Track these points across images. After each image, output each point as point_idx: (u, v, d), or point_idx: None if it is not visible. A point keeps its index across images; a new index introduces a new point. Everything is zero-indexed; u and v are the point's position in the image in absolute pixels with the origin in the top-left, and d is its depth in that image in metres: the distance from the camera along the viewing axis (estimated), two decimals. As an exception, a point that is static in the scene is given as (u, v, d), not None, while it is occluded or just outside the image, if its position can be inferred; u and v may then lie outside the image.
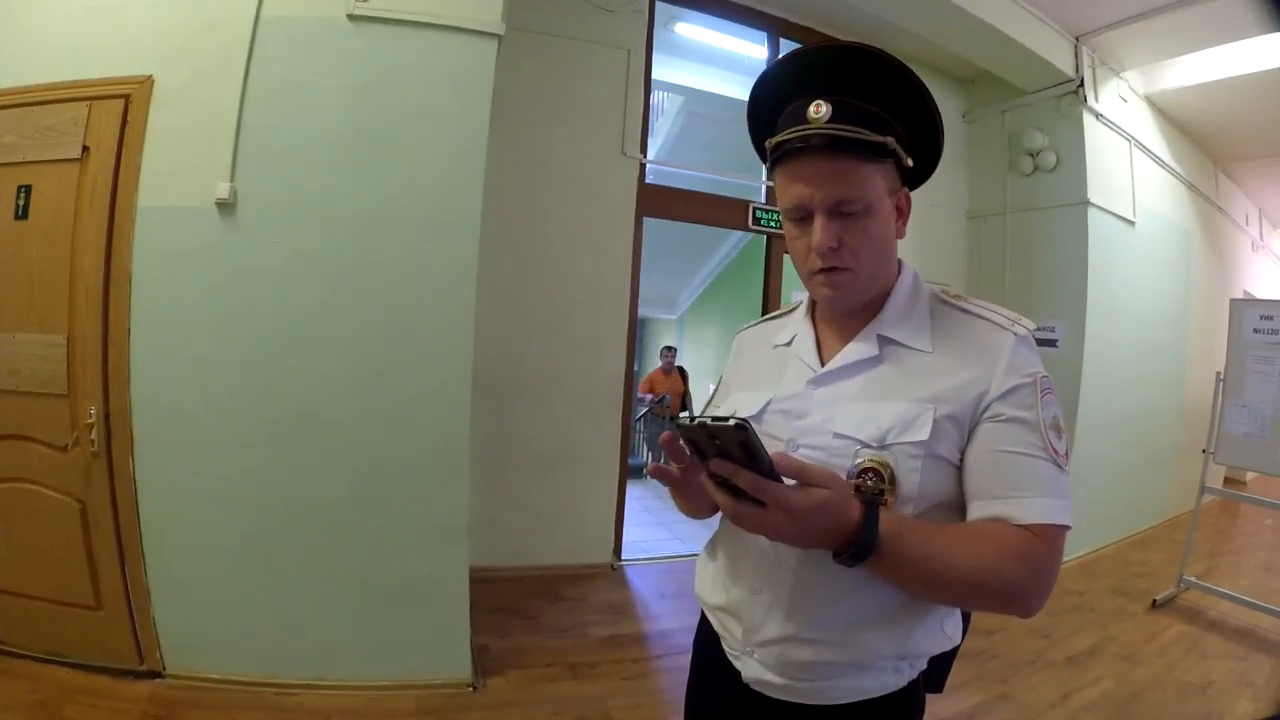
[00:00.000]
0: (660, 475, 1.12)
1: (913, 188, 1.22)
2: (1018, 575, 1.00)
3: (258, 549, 3.02)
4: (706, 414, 0.97)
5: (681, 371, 9.53)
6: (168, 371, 2.92)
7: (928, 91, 1.12)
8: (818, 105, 1.08)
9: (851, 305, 1.20)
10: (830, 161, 1.08)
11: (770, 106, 1.19)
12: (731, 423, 0.86)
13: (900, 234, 1.19)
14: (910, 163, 1.15)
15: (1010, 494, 1.04)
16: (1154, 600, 4.84)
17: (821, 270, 1.14)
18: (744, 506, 0.95)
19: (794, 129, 1.10)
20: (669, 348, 9.47)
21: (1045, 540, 1.02)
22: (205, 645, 3.04)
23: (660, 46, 5.49)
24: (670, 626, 4.00)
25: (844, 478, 1.05)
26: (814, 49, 1.16)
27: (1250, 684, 3.73)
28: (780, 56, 1.18)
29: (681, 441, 1.03)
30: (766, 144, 1.18)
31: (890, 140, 1.09)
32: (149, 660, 3.01)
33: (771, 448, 0.95)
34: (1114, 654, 4.06)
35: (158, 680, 3.01)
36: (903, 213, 1.18)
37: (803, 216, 1.13)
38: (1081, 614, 4.64)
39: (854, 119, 1.07)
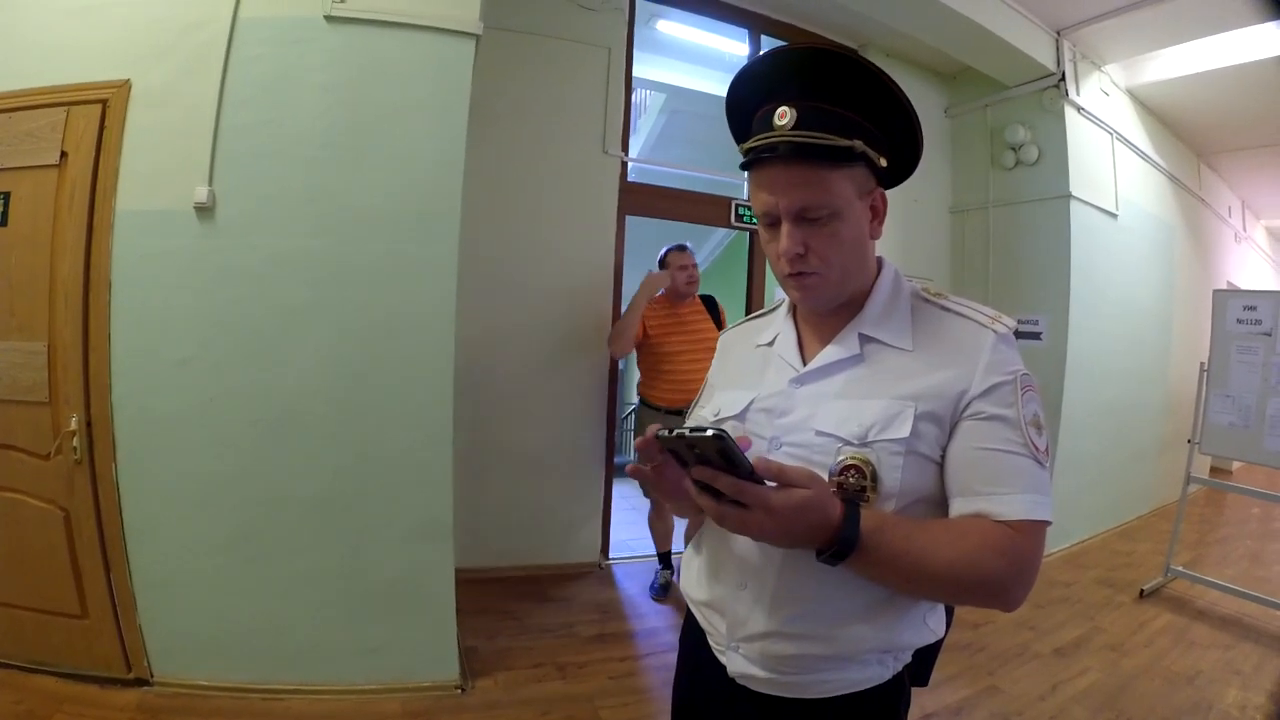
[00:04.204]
0: (638, 475, 1.14)
1: (894, 185, 1.23)
2: (998, 570, 1.01)
3: (242, 553, 3.01)
4: (685, 425, 0.99)
5: (709, 303, 4.74)
6: (148, 376, 2.91)
7: (900, 90, 1.12)
8: (782, 112, 1.09)
9: (824, 307, 1.22)
10: (795, 169, 1.09)
11: (744, 110, 1.20)
12: (709, 433, 0.89)
13: (876, 234, 1.20)
14: (884, 163, 1.15)
15: (991, 490, 1.05)
16: (1141, 590, 4.87)
17: (791, 275, 1.16)
18: (726, 508, 0.97)
19: (760, 136, 1.12)
20: (676, 248, 4.58)
21: (1026, 535, 1.03)
22: (192, 651, 3.03)
23: (641, 44, 5.50)
24: (658, 625, 3.99)
25: (825, 477, 1.07)
26: (781, 51, 1.16)
27: (1238, 672, 3.76)
28: (750, 60, 1.19)
29: (664, 450, 1.04)
30: (740, 149, 1.19)
31: (858, 143, 1.09)
32: (136, 668, 3.00)
33: (755, 446, 0.96)
34: (1102, 644, 4.08)
35: (145, 688, 2.99)
36: (878, 213, 1.19)
37: (772, 222, 1.15)
38: (1069, 605, 4.66)
39: (820, 124, 1.07)
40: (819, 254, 1.13)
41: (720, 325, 4.55)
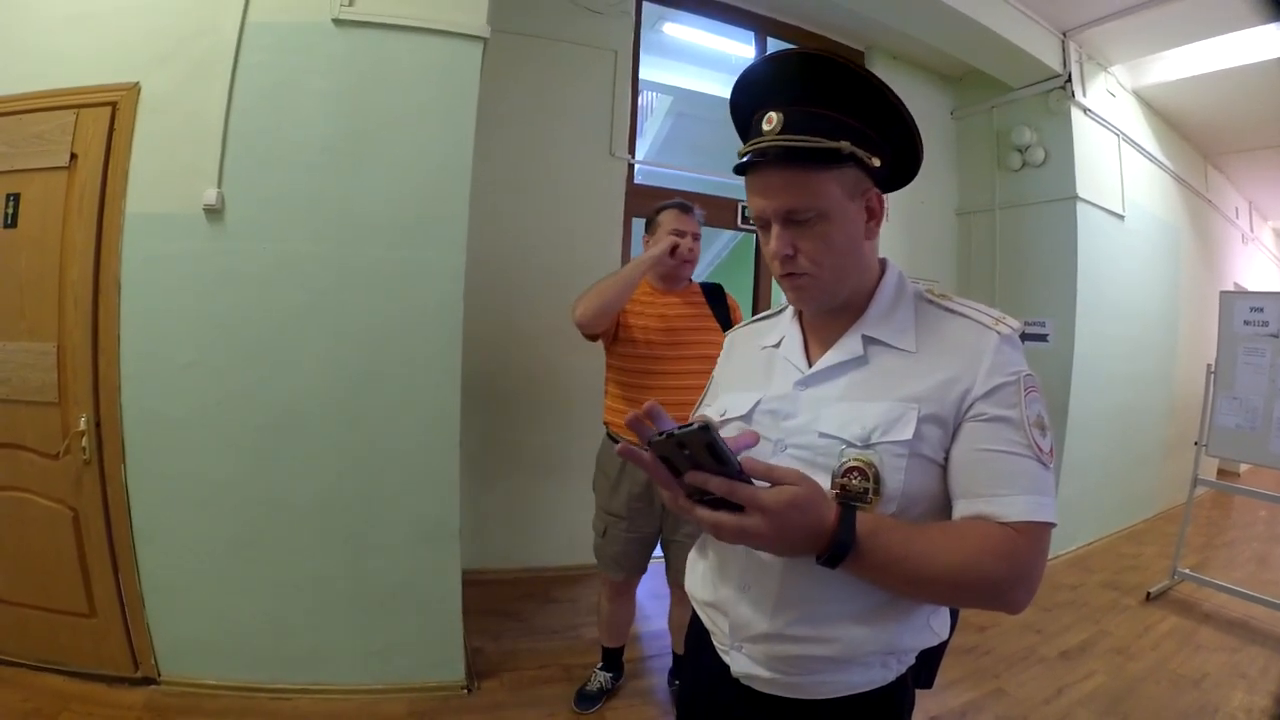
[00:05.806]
0: (630, 455, 1.07)
1: (898, 188, 1.24)
2: (998, 572, 1.02)
3: (250, 554, 3.02)
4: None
5: (713, 293, 3.10)
6: (157, 378, 2.92)
7: (889, 90, 1.13)
8: (769, 117, 1.11)
9: (819, 307, 1.24)
10: (781, 172, 1.11)
11: (742, 115, 1.22)
12: (695, 425, 0.90)
13: (872, 235, 1.21)
14: (876, 163, 1.15)
15: (994, 492, 1.05)
16: (1147, 593, 4.86)
17: (783, 275, 1.18)
18: (722, 517, 0.97)
19: (751, 142, 1.14)
20: (675, 206, 3.01)
21: (1028, 537, 1.03)
22: (199, 651, 3.05)
23: (648, 47, 5.50)
24: (663, 627, 3.95)
25: (829, 479, 1.09)
26: (772, 57, 1.18)
27: (1244, 675, 3.75)
28: (748, 66, 1.20)
29: (659, 458, 1.04)
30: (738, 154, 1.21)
31: (845, 144, 1.09)
32: (144, 667, 3.02)
33: (760, 448, 0.96)
34: (1108, 648, 4.08)
35: (153, 687, 3.01)
36: (874, 213, 1.19)
37: (765, 225, 1.18)
38: (1075, 608, 4.65)
39: (807, 127, 1.09)
40: (809, 255, 1.14)
41: (729, 324, 2.93)
